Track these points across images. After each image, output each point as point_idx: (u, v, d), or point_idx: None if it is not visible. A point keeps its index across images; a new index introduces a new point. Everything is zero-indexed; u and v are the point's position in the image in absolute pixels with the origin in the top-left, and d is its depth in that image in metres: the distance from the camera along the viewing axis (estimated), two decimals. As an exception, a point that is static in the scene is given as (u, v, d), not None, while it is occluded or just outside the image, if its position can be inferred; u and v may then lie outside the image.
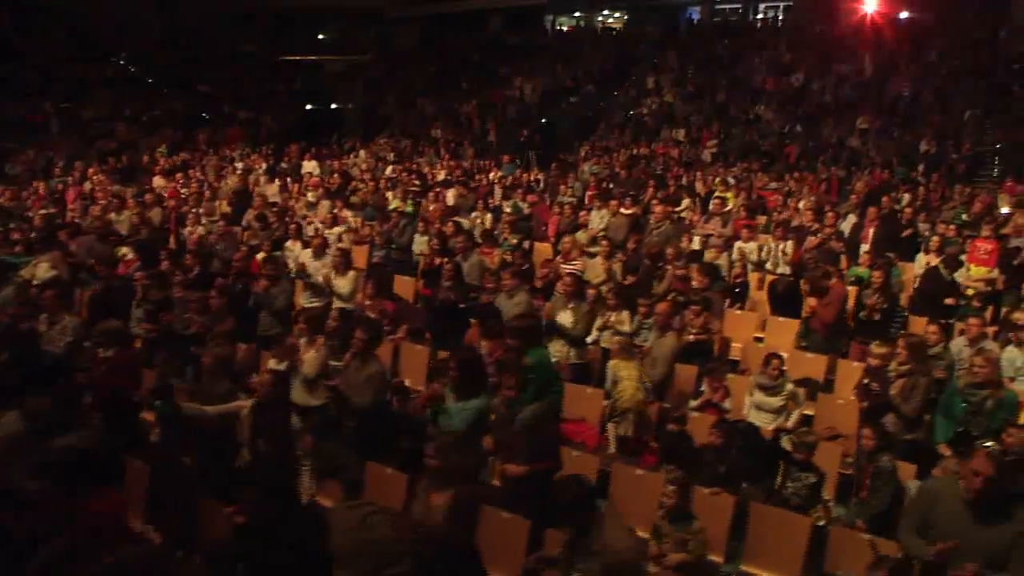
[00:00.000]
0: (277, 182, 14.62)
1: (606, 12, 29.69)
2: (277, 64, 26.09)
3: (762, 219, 11.04)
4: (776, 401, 6.13)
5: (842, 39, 21.03)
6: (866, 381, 5.84)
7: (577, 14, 29.66)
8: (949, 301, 8.16)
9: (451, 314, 7.40)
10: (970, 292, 8.68)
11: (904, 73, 18.83)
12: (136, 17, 22.21)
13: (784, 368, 6.14)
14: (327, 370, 5.96)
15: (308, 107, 27.85)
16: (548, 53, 24.94)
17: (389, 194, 12.02)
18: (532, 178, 15.48)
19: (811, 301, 7.21)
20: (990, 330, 7.82)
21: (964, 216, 10.84)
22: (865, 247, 9.75)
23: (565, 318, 6.77)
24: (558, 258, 8.82)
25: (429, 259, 8.98)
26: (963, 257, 8.89)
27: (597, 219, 10.10)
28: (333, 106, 28.30)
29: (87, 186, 13.71)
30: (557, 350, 6.86)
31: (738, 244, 9.71)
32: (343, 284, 8.42)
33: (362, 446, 5.43)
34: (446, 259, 8.42)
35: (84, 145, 18.54)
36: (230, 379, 5.18)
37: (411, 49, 27.86)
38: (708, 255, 9.59)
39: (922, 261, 9.20)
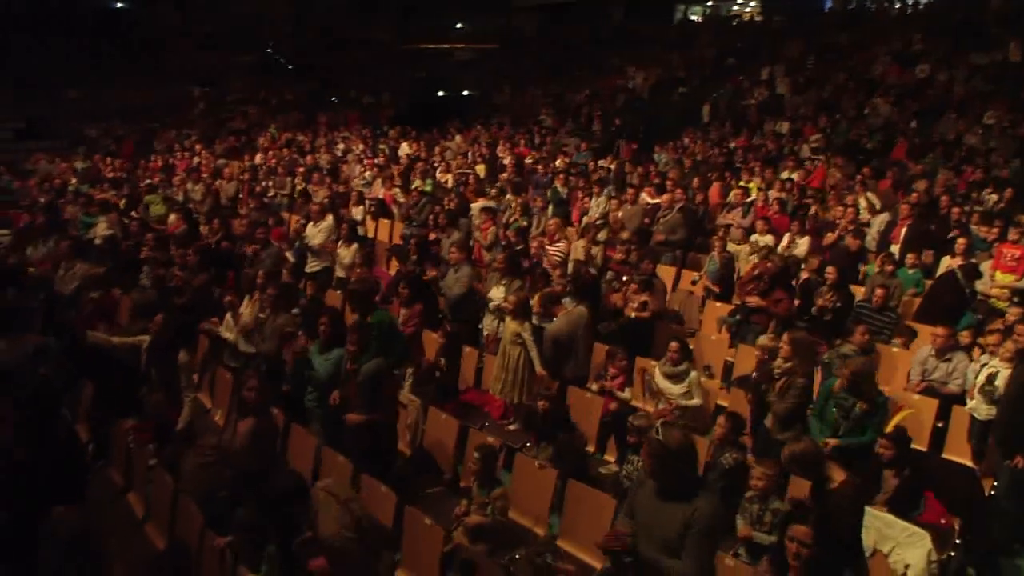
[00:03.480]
0: (364, 162, 15.71)
1: (740, 1, 28.50)
2: (405, 52, 27.55)
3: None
4: (678, 388, 6.02)
5: (986, 25, 18.95)
6: (754, 375, 5.62)
7: (710, 3, 28.73)
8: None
9: (411, 285, 7.81)
10: (995, 302, 7.88)
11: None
12: (274, 7, 24.45)
13: (684, 354, 6.00)
14: (260, 322, 6.63)
15: (440, 94, 29.37)
16: (664, 43, 24.45)
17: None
18: (606, 166, 15.45)
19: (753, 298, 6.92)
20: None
21: (1033, 219, 9.61)
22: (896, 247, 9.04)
23: (496, 293, 6.98)
24: (544, 239, 8.95)
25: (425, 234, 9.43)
26: (987, 264, 8.03)
27: (595, 206, 10.08)
28: (465, 93, 29.60)
29: (195, 160, 15.44)
30: (487, 324, 7.11)
31: (753, 236, 9.39)
32: (345, 254, 9.11)
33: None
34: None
35: (218, 125, 20.74)
36: (146, 320, 5.92)
37: (532, 38, 28.34)
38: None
39: (946, 264, 8.38)
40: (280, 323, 6.07)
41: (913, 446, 5.80)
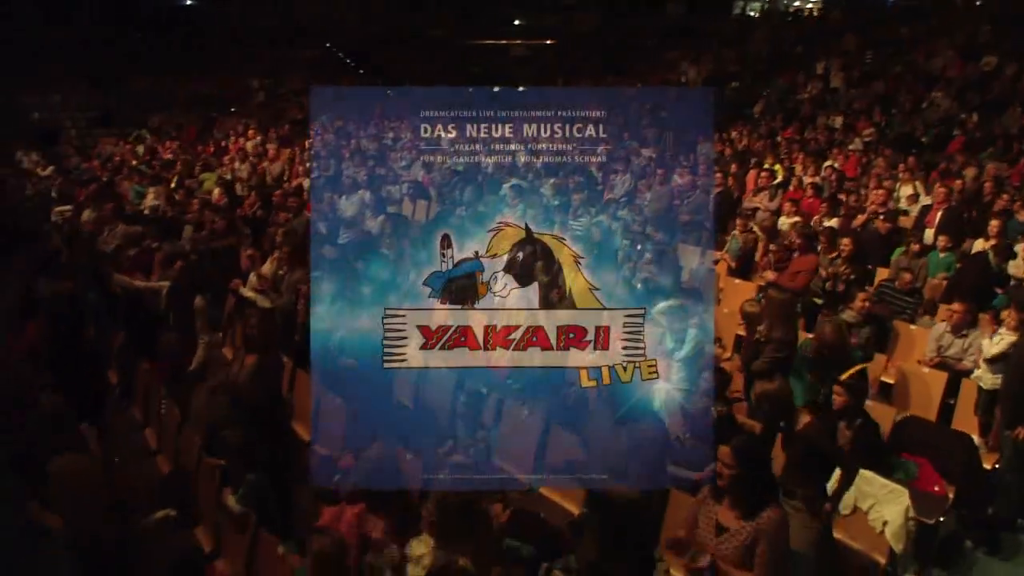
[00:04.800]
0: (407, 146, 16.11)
1: (802, -4, 27.92)
2: (462, 48, 27.97)
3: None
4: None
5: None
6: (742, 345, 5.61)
7: (769, -3, 28.25)
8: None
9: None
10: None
11: None
12: (335, 4, 25.21)
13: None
14: (278, 278, 6.93)
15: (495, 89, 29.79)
16: (720, 37, 24.20)
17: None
18: (648, 156, 15.42)
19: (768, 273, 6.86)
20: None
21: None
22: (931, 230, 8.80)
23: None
24: (569, 215, 9.03)
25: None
26: (1022, 246, 7.76)
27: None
28: (520, 89, 29.93)
29: (248, 144, 16.07)
30: (498, 289, 7.24)
31: (781, 219, 9.30)
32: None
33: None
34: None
35: (276, 115, 21.48)
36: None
37: (587, 34, 28.37)
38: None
39: (979, 246, 8.11)
40: (295, 278, 6.34)
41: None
